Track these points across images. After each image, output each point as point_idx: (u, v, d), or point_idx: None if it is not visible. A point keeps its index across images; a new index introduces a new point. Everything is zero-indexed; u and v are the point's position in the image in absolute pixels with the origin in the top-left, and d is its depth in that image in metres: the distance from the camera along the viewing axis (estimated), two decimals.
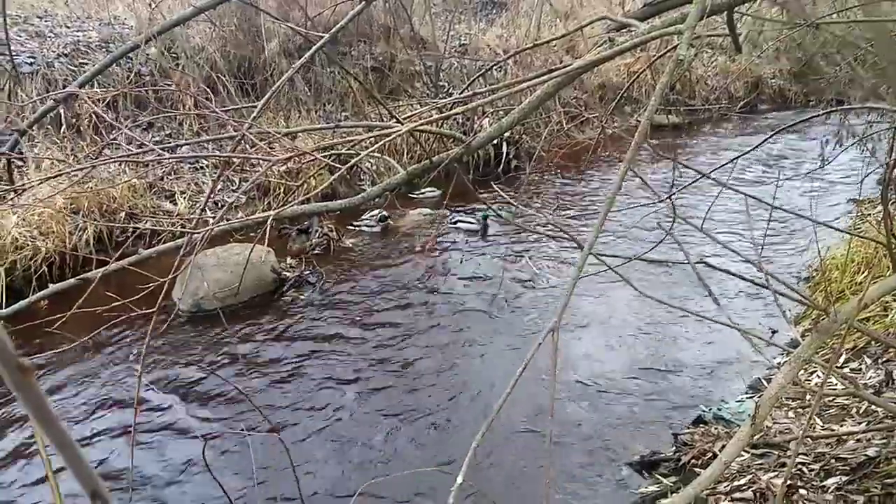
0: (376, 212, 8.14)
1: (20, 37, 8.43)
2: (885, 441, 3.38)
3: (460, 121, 9.43)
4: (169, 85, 7.88)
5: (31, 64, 8.01)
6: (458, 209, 8.51)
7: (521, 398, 4.39)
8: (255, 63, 9.45)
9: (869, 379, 4.17)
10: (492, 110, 8.84)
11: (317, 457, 4.14)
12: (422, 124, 1.93)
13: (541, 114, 9.72)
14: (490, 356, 5.26)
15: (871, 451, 3.31)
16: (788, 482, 3.15)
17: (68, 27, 9.27)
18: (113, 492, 3.81)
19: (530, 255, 7.19)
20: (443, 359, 5.26)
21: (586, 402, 4.62)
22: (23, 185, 5.67)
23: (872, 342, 4.50)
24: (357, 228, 8.07)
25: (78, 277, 2.17)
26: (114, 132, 7.30)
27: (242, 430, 4.17)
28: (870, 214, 5.98)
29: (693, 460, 3.78)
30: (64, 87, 7.70)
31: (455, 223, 8.05)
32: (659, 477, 3.80)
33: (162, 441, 4.30)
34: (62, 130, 7.66)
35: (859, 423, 3.71)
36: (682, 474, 3.73)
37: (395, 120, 2.12)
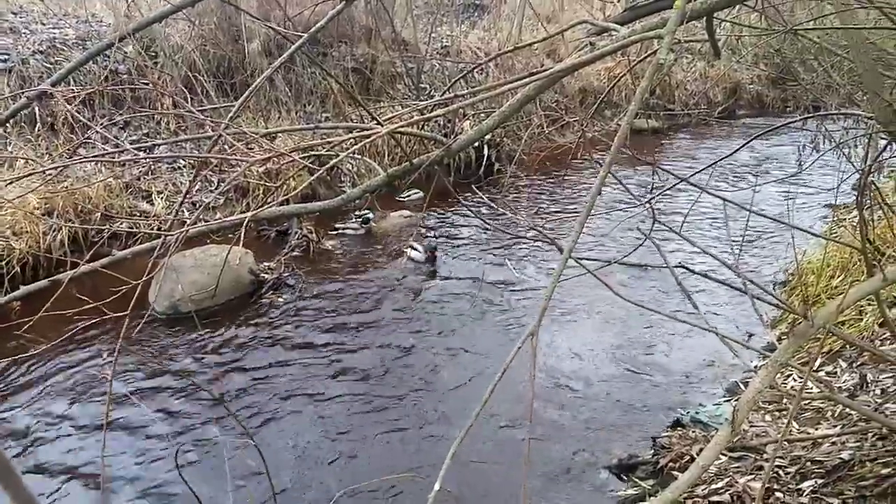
0: (360, 212, 8.11)
1: None
2: (858, 444, 3.42)
3: (442, 123, 9.44)
4: (146, 83, 7.78)
5: (4, 61, 7.86)
6: (436, 214, 8.51)
7: (500, 402, 4.38)
8: (235, 63, 9.37)
9: (844, 382, 4.21)
10: (473, 113, 8.86)
11: (292, 462, 4.10)
12: (402, 126, 1.91)
13: (522, 117, 9.74)
14: (469, 360, 5.25)
15: (845, 455, 3.35)
16: (765, 486, 3.17)
17: (44, 24, 9.12)
18: (84, 497, 3.75)
19: (511, 258, 7.20)
20: (422, 363, 5.24)
21: (564, 405, 4.62)
22: None
23: (847, 346, 4.55)
24: (341, 231, 8.01)
25: (49, 279, 2.13)
26: (89, 131, 7.19)
27: (216, 434, 4.11)
28: (845, 220, 6.07)
29: (671, 463, 3.80)
30: (39, 84, 7.57)
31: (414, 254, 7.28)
32: (637, 480, 3.82)
33: (134, 445, 4.23)
34: (36, 129, 7.53)
35: (834, 427, 3.75)
36: (659, 477, 3.74)
37: (375, 121, 2.10)
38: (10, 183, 5.06)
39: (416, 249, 7.12)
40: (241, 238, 1.52)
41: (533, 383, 1.56)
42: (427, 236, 7.76)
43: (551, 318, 5.65)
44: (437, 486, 1.51)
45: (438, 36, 12.43)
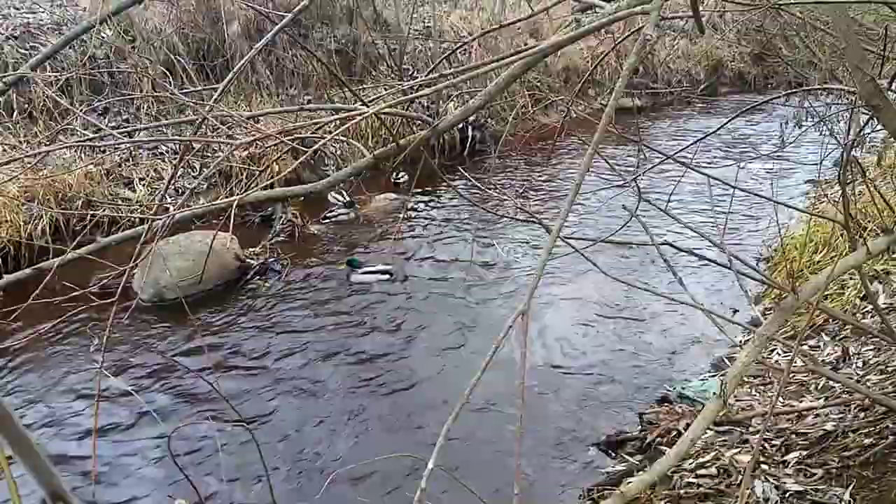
0: (338, 197, 8.04)
1: None
2: (842, 416, 3.48)
3: (426, 104, 9.37)
4: (126, 67, 7.66)
5: None
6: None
7: (490, 381, 4.40)
8: (216, 45, 9.24)
9: (827, 356, 4.28)
10: (457, 93, 8.81)
11: (285, 445, 4.11)
12: (388, 106, 1.90)
13: (506, 98, 9.72)
14: (459, 340, 5.27)
15: (829, 426, 3.41)
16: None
17: (17, 8, 8.94)
18: (77, 488, 3.74)
19: (498, 239, 7.21)
20: (412, 344, 5.25)
21: (553, 383, 4.66)
22: None
23: (830, 320, 4.61)
24: (333, 218, 7.92)
25: (33, 267, 2.10)
26: (68, 117, 7.08)
27: (208, 420, 4.11)
28: (828, 195, 6.12)
29: (658, 438, 3.85)
30: (15, 70, 7.43)
31: (362, 275, 6.36)
32: (625, 456, 3.86)
33: (125, 432, 4.22)
34: (14, 116, 7.40)
35: (818, 399, 3.81)
36: (647, 453, 3.79)
37: (360, 102, 2.08)
38: None
39: (377, 272, 6.38)
40: (231, 222, 1.51)
41: (524, 361, 1.57)
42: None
43: (538, 297, 5.67)
44: (430, 465, 1.52)
45: (420, 16, 12.32)
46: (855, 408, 3.46)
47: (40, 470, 0.30)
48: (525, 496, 3.55)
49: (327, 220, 7.84)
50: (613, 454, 3.94)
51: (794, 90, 5.46)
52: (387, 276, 6.34)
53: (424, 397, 4.58)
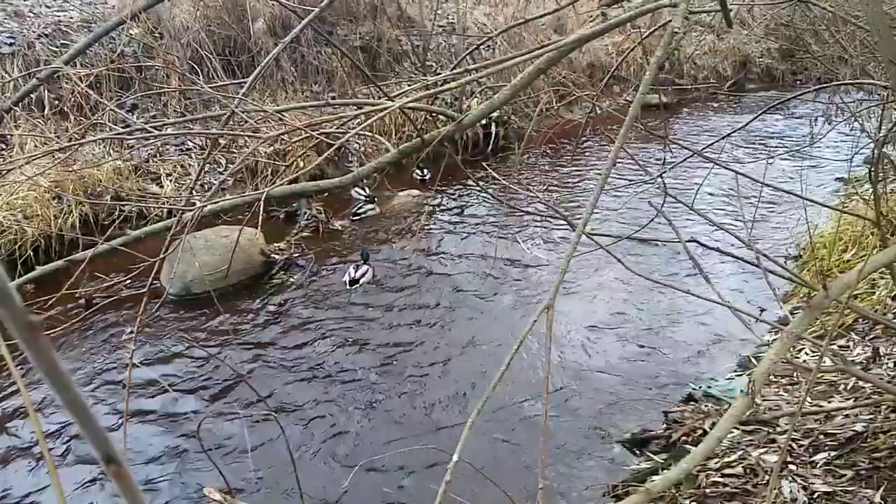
0: (364, 192, 8.07)
1: None
2: (872, 416, 3.42)
3: (449, 101, 9.38)
4: (155, 63, 7.77)
5: (10, 44, 7.85)
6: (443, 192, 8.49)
7: (514, 376, 4.41)
8: (241, 42, 9.33)
9: (857, 356, 4.21)
10: (479, 89, 8.79)
11: (311, 436, 4.15)
12: (413, 101, 1.90)
13: (530, 94, 9.67)
14: (483, 335, 5.27)
15: (858, 427, 3.35)
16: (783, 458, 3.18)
17: (49, 7, 9.09)
18: (107, 476, 3.81)
19: (522, 235, 7.19)
20: (436, 339, 5.26)
21: (578, 380, 4.64)
22: (5, 164, 5.56)
23: (860, 319, 4.53)
24: (362, 215, 7.88)
25: (65, 259, 2.13)
26: (98, 113, 7.20)
27: (237, 410, 4.16)
28: (857, 192, 6.01)
29: (683, 437, 3.81)
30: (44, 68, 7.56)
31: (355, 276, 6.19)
32: (650, 454, 3.83)
33: (155, 421, 4.29)
34: (45, 112, 7.53)
35: (847, 399, 3.75)
36: (672, 451, 3.76)
37: (385, 97, 2.09)
38: (24, 164, 5.08)
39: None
40: (259, 214, 1.52)
41: (549, 355, 1.56)
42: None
43: (563, 293, 5.65)
44: (455, 457, 1.52)
45: (444, 12, 12.31)
46: (886, 409, 3.41)
47: (95, 433, 0.31)
48: (549, 491, 3.54)
49: (357, 217, 7.83)
50: (638, 452, 3.91)
51: (824, 85, 5.37)
52: (366, 268, 6.23)
53: (448, 390, 4.59)
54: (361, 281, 6.18)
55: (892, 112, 3.95)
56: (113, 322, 5.36)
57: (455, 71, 2.52)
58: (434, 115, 2.63)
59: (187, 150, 8.31)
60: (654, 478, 3.50)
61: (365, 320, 5.55)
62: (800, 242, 6.41)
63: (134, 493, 0.33)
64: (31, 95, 7.13)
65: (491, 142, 10.27)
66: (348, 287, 6.09)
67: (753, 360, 4.60)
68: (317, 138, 2.26)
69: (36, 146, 6.82)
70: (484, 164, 4.07)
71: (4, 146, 7.06)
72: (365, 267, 6.27)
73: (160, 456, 3.97)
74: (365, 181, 7.92)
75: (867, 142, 4.00)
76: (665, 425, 4.07)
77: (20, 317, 0.29)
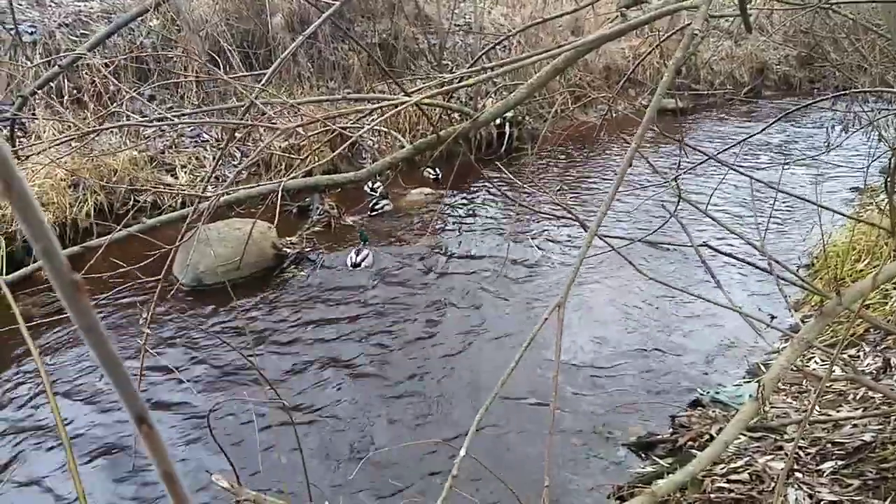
0: (374, 188, 8.07)
1: (21, 5, 8.34)
2: (881, 427, 3.40)
3: (464, 100, 9.39)
4: (175, 53, 7.82)
5: (31, 33, 7.93)
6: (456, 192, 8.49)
7: (522, 374, 4.41)
8: (259, 36, 9.38)
9: (867, 365, 4.18)
10: (494, 89, 8.80)
11: (319, 426, 4.18)
12: (429, 97, 1.91)
13: (544, 95, 9.67)
14: (494, 333, 5.28)
15: (867, 437, 3.33)
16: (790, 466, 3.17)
17: None
18: (118, 460, 3.84)
19: (534, 236, 7.19)
20: (445, 335, 5.28)
21: (585, 381, 4.64)
22: (22, 149, 5.62)
23: (871, 329, 4.50)
24: (379, 211, 7.86)
25: (81, 245, 2.16)
26: (118, 99, 7.26)
27: (247, 400, 4.19)
28: (873, 202, 5.97)
29: (690, 442, 3.80)
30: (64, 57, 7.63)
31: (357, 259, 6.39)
32: (655, 458, 3.83)
33: (166, 409, 4.33)
34: (64, 102, 7.60)
35: (856, 409, 3.73)
36: (678, 455, 3.75)
37: (403, 93, 2.10)
38: (43, 151, 5.13)
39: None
40: (277, 204, 1.54)
41: (558, 353, 1.57)
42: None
43: (573, 294, 5.64)
44: (462, 452, 1.53)
45: (461, 11, 12.31)
46: (895, 419, 3.38)
47: (128, 393, 0.32)
48: (554, 490, 3.54)
49: (374, 213, 7.83)
50: (644, 455, 3.90)
51: (842, 93, 5.33)
52: (366, 252, 6.43)
53: (457, 386, 4.61)
54: (363, 265, 6.32)
55: None
56: (124, 309, 5.41)
57: (472, 69, 2.52)
58: (449, 112, 2.64)
59: (203, 142, 8.36)
60: (660, 481, 3.50)
61: (375, 315, 5.57)
62: (813, 251, 6.37)
63: (163, 453, 0.34)
64: (52, 84, 7.19)
65: (505, 142, 10.26)
66: (350, 270, 6.30)
67: (763, 368, 4.58)
68: (332, 132, 2.27)
69: (54, 134, 6.87)
70: (497, 163, 4.08)
71: (23, 134, 7.12)
72: (365, 251, 6.43)
73: (168, 442, 4.00)
74: (378, 177, 7.94)
75: (884, 150, 3.97)
76: (671, 429, 4.06)
77: (65, 275, 0.30)
